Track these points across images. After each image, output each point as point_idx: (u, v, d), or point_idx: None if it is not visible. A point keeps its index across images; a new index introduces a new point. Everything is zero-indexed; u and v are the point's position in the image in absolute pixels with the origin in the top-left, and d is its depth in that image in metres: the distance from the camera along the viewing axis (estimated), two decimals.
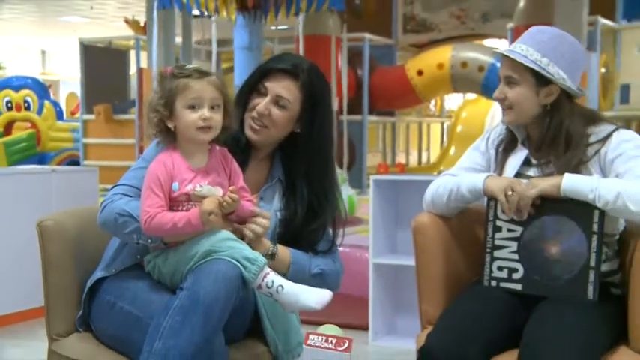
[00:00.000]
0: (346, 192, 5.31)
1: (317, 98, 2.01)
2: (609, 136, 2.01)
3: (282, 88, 1.97)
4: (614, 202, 1.89)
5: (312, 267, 1.98)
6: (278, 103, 1.97)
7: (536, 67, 2.00)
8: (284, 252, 1.96)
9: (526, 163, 2.10)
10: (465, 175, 2.14)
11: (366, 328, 3.55)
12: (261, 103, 1.97)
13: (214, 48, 6.08)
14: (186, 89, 1.84)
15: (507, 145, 2.14)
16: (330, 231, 2.08)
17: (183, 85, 1.84)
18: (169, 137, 1.89)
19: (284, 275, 1.90)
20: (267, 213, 1.92)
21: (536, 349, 1.78)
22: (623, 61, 7.71)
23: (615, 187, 1.90)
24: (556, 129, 2.03)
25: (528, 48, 2.02)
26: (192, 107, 1.84)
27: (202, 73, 1.86)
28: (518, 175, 2.08)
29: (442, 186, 2.15)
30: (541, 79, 2.01)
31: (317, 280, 1.97)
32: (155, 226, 1.79)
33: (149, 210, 1.80)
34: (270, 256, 1.91)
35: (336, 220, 2.08)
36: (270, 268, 1.81)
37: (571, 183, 1.94)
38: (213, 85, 1.86)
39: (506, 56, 2.04)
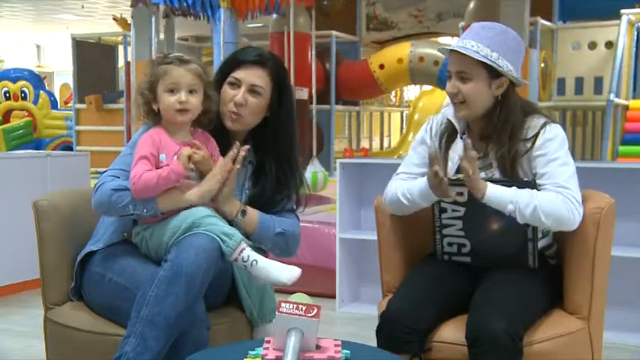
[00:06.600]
0: (313, 168, 5.27)
1: (283, 82, 2.00)
2: (537, 134, 1.95)
3: (256, 77, 1.95)
4: (531, 216, 1.87)
5: (276, 227, 1.96)
6: (253, 91, 1.95)
7: (489, 62, 1.91)
8: (253, 213, 1.94)
9: None
10: (415, 183, 2.03)
11: (333, 296, 3.57)
12: (238, 95, 1.94)
13: None
14: (166, 75, 1.84)
15: (448, 137, 2.06)
16: (293, 201, 2.05)
17: (164, 71, 1.85)
18: (156, 118, 1.88)
19: (251, 233, 1.89)
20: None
21: (482, 311, 1.79)
22: (560, 58, 7.77)
23: (532, 203, 1.86)
24: (504, 120, 1.96)
25: (478, 44, 1.92)
26: (171, 91, 1.84)
27: (183, 61, 1.86)
28: (459, 168, 1.95)
29: (398, 193, 2.05)
30: (493, 73, 1.93)
31: (280, 238, 1.96)
32: (142, 184, 1.77)
33: (136, 173, 1.78)
34: (242, 213, 1.90)
35: (299, 196, 2.06)
36: (240, 226, 1.81)
37: (493, 197, 1.88)
38: (191, 71, 1.85)
39: (456, 52, 1.94)
